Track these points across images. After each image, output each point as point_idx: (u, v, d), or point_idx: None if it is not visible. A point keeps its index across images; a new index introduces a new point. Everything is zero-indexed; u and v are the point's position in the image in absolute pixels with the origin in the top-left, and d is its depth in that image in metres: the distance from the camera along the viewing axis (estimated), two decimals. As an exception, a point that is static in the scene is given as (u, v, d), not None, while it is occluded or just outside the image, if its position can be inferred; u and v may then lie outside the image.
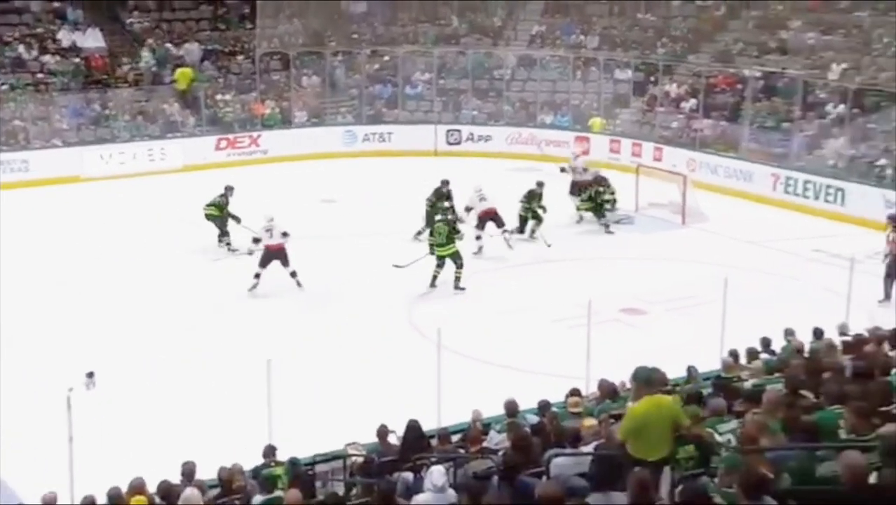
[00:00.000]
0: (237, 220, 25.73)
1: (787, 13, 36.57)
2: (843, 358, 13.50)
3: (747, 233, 27.03)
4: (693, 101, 35.14)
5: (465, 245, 23.94)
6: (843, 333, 15.92)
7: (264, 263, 22.84)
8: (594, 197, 27.98)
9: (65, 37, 37.99)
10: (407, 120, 38.99)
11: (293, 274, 22.87)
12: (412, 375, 17.07)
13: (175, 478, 12.37)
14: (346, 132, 38.34)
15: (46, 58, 36.99)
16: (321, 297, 22.74)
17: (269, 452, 13.34)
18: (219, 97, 38.15)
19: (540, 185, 27.19)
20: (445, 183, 26.67)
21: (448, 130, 38.26)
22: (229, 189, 26.40)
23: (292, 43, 40.66)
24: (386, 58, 40.37)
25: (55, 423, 13.49)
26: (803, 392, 11.45)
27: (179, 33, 40.28)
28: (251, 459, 13.28)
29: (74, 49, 37.82)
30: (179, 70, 37.98)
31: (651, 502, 8.26)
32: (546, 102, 38.74)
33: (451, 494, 10.18)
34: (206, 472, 12.77)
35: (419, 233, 25.98)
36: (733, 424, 10.80)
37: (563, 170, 29.49)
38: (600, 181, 28.51)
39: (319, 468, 13.94)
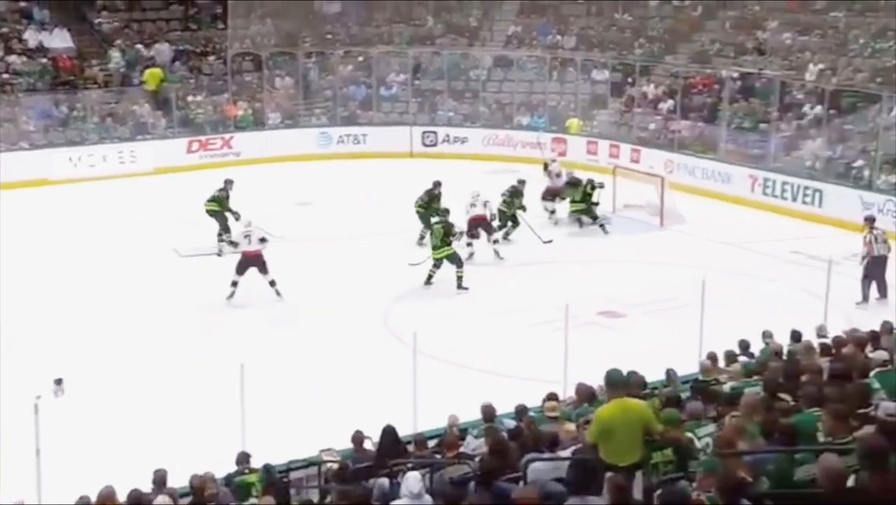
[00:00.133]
0: (236, 215, 25.56)
1: (763, 14, 36.65)
2: (821, 360, 13.46)
3: (725, 234, 27.02)
4: (670, 102, 35.16)
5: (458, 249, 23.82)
6: (821, 336, 15.86)
7: (241, 270, 22.30)
8: (586, 196, 27.91)
9: (31, 37, 37.74)
10: (382, 121, 38.93)
11: (272, 283, 22.39)
12: (388, 380, 16.89)
13: (146, 486, 12.21)
14: (321, 134, 38.18)
15: (12, 58, 36.71)
16: (296, 301, 22.48)
17: (243, 458, 13.20)
18: (190, 98, 37.92)
19: (521, 182, 27.34)
20: (437, 185, 26.57)
21: (424, 132, 38.19)
22: (229, 182, 26.27)
23: (265, 43, 40.50)
24: (360, 59, 40.25)
25: (23, 430, 13.30)
26: (781, 395, 11.44)
27: (150, 34, 40.07)
28: (224, 467, 13.12)
29: (41, 49, 37.54)
30: (148, 70, 37.70)
31: (629, 505, 8.20)
32: (522, 103, 38.65)
33: (428, 500, 10.15)
34: (178, 479, 12.60)
35: (422, 237, 25.86)
36: (711, 427, 10.78)
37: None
38: (575, 182, 28.45)
39: (294, 475, 13.85)
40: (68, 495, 11.86)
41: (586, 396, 13.80)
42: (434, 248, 23.35)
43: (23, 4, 38.67)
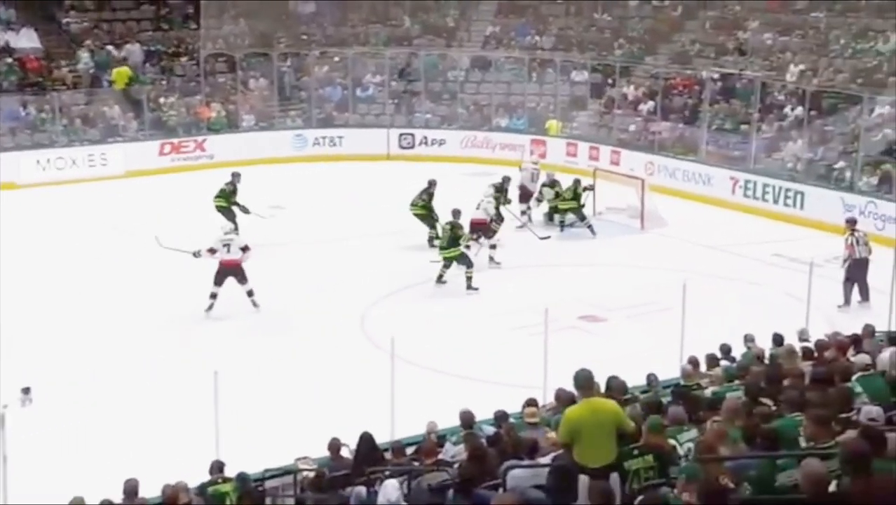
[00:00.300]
0: (245, 210, 25.19)
1: (744, 14, 36.74)
2: (803, 364, 13.44)
3: (707, 237, 26.98)
4: (651, 104, 35.09)
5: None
6: (803, 339, 15.85)
7: (219, 280, 21.61)
8: (577, 196, 27.90)
9: (-4, 37, 37.41)
10: (358, 123, 38.73)
11: (250, 293, 21.82)
12: (365, 386, 16.72)
13: (116, 496, 12.02)
14: (296, 136, 37.87)
15: (-23, 59, 36.40)
16: (270, 306, 22.12)
17: (217, 467, 13.01)
18: (162, 100, 37.52)
19: (506, 179, 27.56)
20: (433, 183, 26.52)
21: (401, 134, 37.98)
22: (236, 175, 26.16)
23: (238, 44, 40.27)
24: (336, 59, 40.03)
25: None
26: (763, 399, 11.42)
27: (120, 34, 39.71)
28: (197, 476, 12.89)
29: (7, 50, 37.12)
30: (116, 70, 37.32)
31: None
32: (501, 105, 38.54)
33: (406, 507, 10.09)
34: (150, 489, 12.39)
35: (431, 239, 25.85)
36: (694, 432, 10.71)
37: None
38: (553, 184, 28.46)
39: (269, 484, 13.62)
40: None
41: (566, 401, 13.51)
42: (442, 248, 23.42)
43: (-12, 4, 38.31)
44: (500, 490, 9.72)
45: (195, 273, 22.25)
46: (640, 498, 8.75)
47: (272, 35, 40.64)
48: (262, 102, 38.90)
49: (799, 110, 30.98)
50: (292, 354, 19.55)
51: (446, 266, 23.38)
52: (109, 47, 38.54)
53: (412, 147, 37.71)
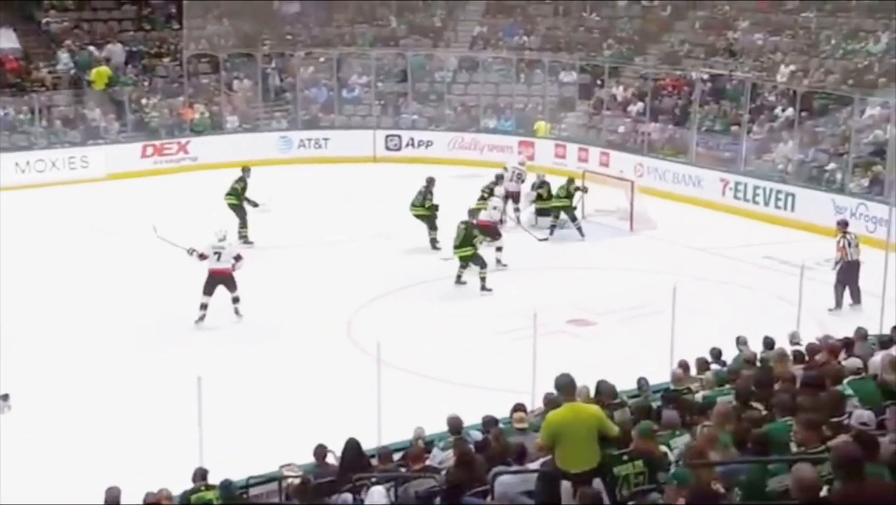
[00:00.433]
0: (254, 204, 25.02)
1: (734, 14, 36.80)
2: (794, 368, 13.47)
3: (697, 240, 26.92)
4: (640, 105, 35.02)
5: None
6: (794, 343, 15.86)
7: (209, 290, 21.18)
8: (570, 195, 27.76)
9: (-26, 37, 37.17)
10: (344, 125, 38.55)
11: (235, 300, 21.45)
12: (351, 392, 16.59)
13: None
14: (281, 138, 37.67)
15: (-45, 59, 36.15)
16: (255, 310, 21.88)
17: (200, 475, 12.83)
18: (144, 101, 37.27)
19: (499, 177, 27.70)
20: (432, 181, 26.48)
21: (387, 136, 37.82)
22: (246, 171, 26.14)
23: (222, 44, 40.07)
24: (321, 60, 39.86)
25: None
26: (754, 403, 11.47)
27: (101, 34, 39.46)
28: (181, 483, 12.71)
29: (-15, 50, 36.96)
30: (95, 70, 37.08)
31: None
32: (489, 106, 38.44)
33: (393, 514, 10.06)
34: (132, 497, 12.21)
35: (433, 241, 25.92)
36: (686, 437, 10.77)
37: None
38: (541, 185, 28.44)
39: (254, 491, 13.53)
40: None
41: (555, 406, 13.50)
42: (456, 247, 23.42)
43: (-34, 4, 38.06)
44: (489, 496, 9.73)
45: (180, 276, 22.19)
46: (629, 504, 8.88)
47: (256, 35, 40.49)
48: (246, 104, 38.68)
49: (789, 111, 30.93)
50: (277, 358, 19.40)
51: (463, 266, 23.40)
52: (91, 48, 38.31)
53: (399, 149, 37.54)
